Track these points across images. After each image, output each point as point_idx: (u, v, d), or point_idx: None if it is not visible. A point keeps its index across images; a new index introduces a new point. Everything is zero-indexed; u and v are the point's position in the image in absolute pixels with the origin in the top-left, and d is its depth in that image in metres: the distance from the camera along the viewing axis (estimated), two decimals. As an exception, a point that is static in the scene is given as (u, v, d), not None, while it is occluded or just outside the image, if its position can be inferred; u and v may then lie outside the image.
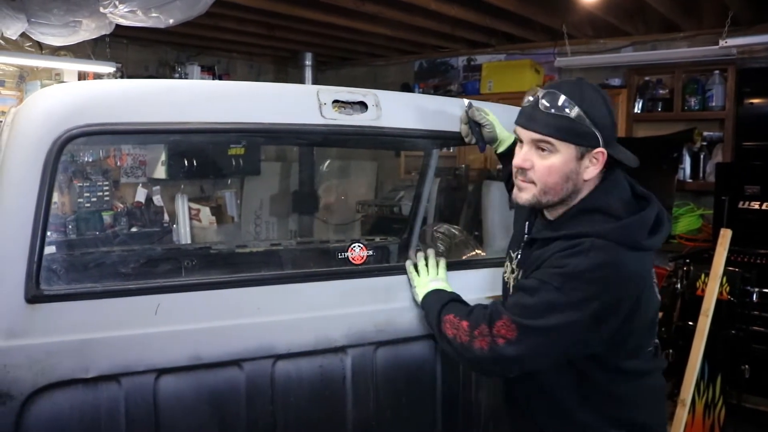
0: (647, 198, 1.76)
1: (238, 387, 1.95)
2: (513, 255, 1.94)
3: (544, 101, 1.68)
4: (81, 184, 5.75)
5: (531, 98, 1.73)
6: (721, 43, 4.76)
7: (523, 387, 1.89)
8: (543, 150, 1.70)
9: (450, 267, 2.22)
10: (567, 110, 1.65)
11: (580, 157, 1.69)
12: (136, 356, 1.80)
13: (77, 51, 5.48)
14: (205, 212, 6.70)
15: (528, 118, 1.72)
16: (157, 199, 6.38)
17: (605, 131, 1.68)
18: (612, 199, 1.71)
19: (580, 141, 1.67)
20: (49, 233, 1.75)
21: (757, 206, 4.49)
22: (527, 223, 1.90)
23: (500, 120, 2.20)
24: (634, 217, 1.68)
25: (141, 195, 6.30)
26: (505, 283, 1.99)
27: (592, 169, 1.70)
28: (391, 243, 3.28)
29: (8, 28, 3.55)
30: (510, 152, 2.19)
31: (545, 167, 1.71)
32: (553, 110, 1.67)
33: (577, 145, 1.68)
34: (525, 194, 1.77)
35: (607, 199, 1.72)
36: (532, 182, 1.74)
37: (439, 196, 5.67)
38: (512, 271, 1.93)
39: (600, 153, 1.69)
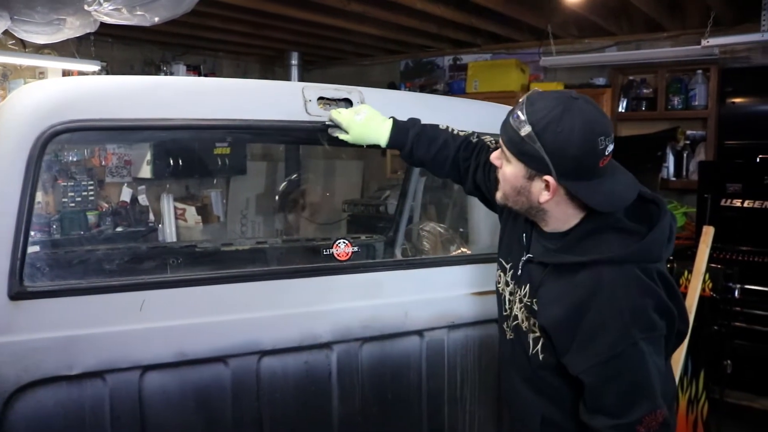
0: (655, 201, 1.66)
1: (223, 383, 1.95)
2: (507, 265, 1.84)
3: (516, 109, 1.57)
4: (65, 184, 5.71)
5: (519, 101, 1.61)
6: (704, 42, 4.81)
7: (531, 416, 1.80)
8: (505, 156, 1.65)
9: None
10: (520, 126, 1.54)
11: (530, 178, 1.59)
12: (121, 353, 1.80)
13: (61, 49, 5.44)
14: (191, 212, 6.68)
15: (503, 121, 1.64)
16: (143, 199, 6.35)
17: (561, 162, 1.52)
18: (619, 213, 1.62)
19: (526, 161, 1.57)
20: (33, 232, 1.75)
21: (738, 204, 4.53)
22: (524, 234, 1.77)
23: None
24: (653, 233, 1.58)
25: (126, 194, 6.27)
26: (500, 294, 1.89)
27: (545, 194, 1.58)
28: (377, 240, 3.29)
29: (-9, 26, 3.52)
30: (396, 140, 2.04)
31: (503, 173, 1.66)
32: (512, 120, 1.57)
33: (523, 164, 1.58)
34: (498, 193, 1.73)
35: (618, 216, 1.61)
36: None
37: (425, 194, 5.67)
38: (507, 284, 1.83)
39: (548, 181, 1.56)
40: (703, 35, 4.95)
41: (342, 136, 2.05)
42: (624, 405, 1.55)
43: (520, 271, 1.76)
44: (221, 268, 2.71)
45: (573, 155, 1.51)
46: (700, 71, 5.39)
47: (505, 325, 1.85)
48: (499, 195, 1.72)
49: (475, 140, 2.04)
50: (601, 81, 5.94)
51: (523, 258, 1.75)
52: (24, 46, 5.37)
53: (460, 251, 3.63)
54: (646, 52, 5.57)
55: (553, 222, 1.67)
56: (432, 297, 2.29)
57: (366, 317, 2.15)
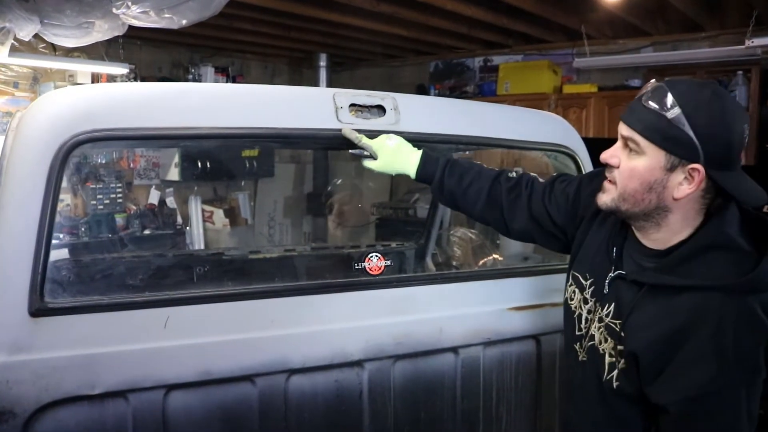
0: (765, 221, 1.49)
1: (250, 403, 1.88)
2: (585, 282, 1.69)
3: (649, 94, 1.44)
4: (93, 186, 5.73)
5: (643, 90, 1.48)
6: (747, 43, 4.67)
7: None
8: (630, 150, 1.48)
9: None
10: (666, 109, 1.40)
11: (671, 168, 1.43)
12: (144, 372, 1.73)
13: (90, 52, 5.45)
14: (219, 214, 6.67)
15: (628, 111, 1.49)
16: (170, 201, 6.36)
17: (712, 148, 1.38)
18: (735, 231, 1.45)
19: (671, 148, 1.41)
20: (55, 241, 1.69)
21: (782, 211, 4.37)
22: (614, 248, 1.62)
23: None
24: None
25: (154, 197, 6.28)
26: (572, 312, 1.74)
27: (685, 187, 1.43)
28: (408, 249, 3.20)
29: (21, 30, 3.52)
30: (426, 170, 1.96)
31: (628, 169, 1.48)
32: (652, 105, 1.42)
33: (666, 151, 1.42)
34: (605, 196, 1.55)
35: (731, 231, 1.44)
36: (615, 183, 1.52)
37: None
38: (585, 301, 1.68)
39: (696, 170, 1.41)
40: (745, 35, 4.81)
41: (368, 163, 1.98)
42: None
43: (606, 289, 1.61)
44: (248, 279, 2.65)
45: (725, 141, 1.39)
46: (740, 72, 5.23)
47: (578, 345, 1.71)
48: (606, 199, 1.55)
49: (514, 174, 1.91)
50: (636, 83, 5.80)
51: (612, 274, 1.60)
52: (54, 49, 5.40)
53: (491, 257, 3.54)
54: (684, 53, 5.43)
55: (662, 231, 1.51)
56: (467, 312, 2.19)
57: (399, 333, 2.06)
